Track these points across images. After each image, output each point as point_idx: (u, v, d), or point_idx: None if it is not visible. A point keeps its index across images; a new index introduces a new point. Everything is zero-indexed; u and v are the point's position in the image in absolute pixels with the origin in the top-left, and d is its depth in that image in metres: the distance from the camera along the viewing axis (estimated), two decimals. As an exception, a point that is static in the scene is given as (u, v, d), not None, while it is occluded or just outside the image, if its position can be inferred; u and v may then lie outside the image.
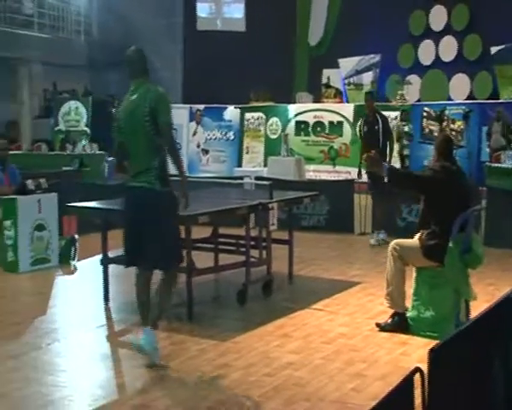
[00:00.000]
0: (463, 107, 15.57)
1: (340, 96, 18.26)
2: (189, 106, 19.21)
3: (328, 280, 7.69)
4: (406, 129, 14.64)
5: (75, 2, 21.57)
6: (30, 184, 8.38)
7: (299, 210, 10.63)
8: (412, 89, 17.30)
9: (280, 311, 6.35)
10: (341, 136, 17.11)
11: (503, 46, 16.09)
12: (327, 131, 17.39)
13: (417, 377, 2.49)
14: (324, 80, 18.51)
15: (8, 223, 8.09)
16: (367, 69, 18.02)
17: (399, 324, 5.71)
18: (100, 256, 6.67)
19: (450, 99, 16.83)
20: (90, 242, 8.34)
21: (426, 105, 16.45)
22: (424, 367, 2.52)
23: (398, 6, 17.44)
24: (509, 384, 3.18)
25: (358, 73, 18.16)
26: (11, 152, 10.77)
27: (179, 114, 17.48)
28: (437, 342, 2.63)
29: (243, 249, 6.92)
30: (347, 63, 18.20)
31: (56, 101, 19.71)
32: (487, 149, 14.41)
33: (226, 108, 18.78)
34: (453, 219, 5.41)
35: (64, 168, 13.53)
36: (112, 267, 6.62)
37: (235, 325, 6.06)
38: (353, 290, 7.18)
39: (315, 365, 4.97)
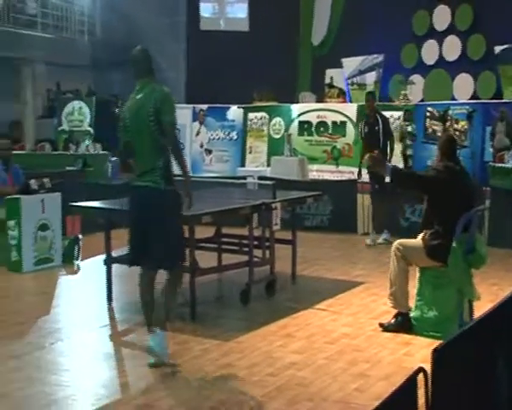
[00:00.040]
0: (467, 107, 15.50)
1: (343, 96, 18.21)
2: (192, 106, 19.17)
3: (332, 280, 7.69)
4: (409, 129, 14.57)
5: (78, 2, 21.56)
6: (33, 183, 8.38)
7: (302, 210, 10.64)
8: (415, 89, 17.25)
9: (283, 311, 6.36)
10: (344, 136, 17.06)
11: (506, 46, 16.05)
12: (330, 131, 17.34)
13: (421, 377, 2.49)
14: (327, 80, 18.46)
15: (11, 223, 8.10)
16: (370, 69, 17.98)
17: (403, 324, 5.70)
18: (103, 256, 6.68)
19: (453, 99, 16.77)
20: (94, 241, 8.37)
21: (429, 105, 16.39)
22: (427, 367, 2.51)
23: (402, 6, 17.40)
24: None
25: (362, 72, 18.12)
26: (14, 152, 10.74)
27: (182, 114, 17.43)
28: (440, 342, 2.63)
29: (246, 249, 6.92)
30: (351, 63, 18.16)
31: (60, 101, 19.68)
32: (491, 149, 14.35)
33: (229, 107, 18.74)
34: (457, 220, 5.40)
35: (67, 168, 13.51)
36: (115, 267, 6.63)
37: (238, 325, 6.06)
38: (356, 290, 7.18)
39: (318, 365, 4.97)
